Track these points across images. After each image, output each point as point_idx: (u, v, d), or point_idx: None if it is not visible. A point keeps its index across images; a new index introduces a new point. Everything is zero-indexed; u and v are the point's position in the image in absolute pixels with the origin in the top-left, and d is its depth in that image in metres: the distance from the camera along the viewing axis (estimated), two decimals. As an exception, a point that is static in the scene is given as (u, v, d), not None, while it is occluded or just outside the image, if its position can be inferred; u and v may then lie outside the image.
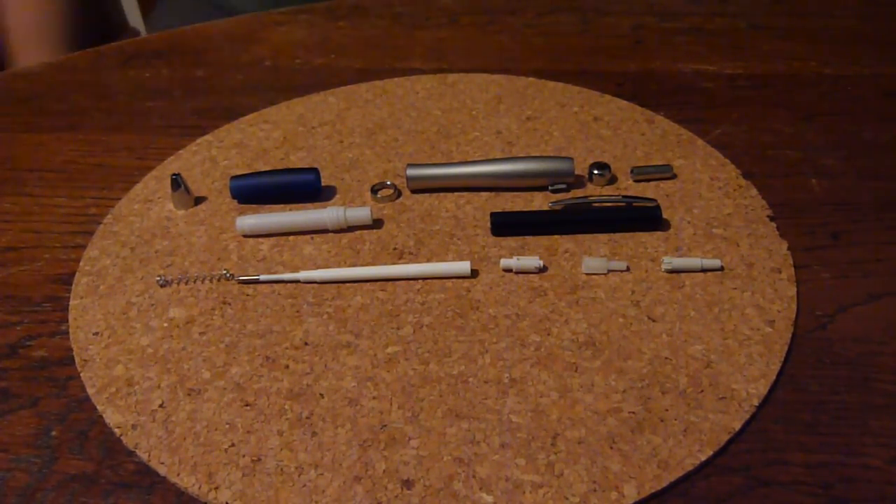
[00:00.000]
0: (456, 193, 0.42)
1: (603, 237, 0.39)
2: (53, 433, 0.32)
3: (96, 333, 0.36)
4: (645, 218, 0.39)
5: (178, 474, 0.30)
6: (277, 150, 0.46)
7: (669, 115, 0.47)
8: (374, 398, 0.32)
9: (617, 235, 0.39)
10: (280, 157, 0.45)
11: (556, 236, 0.39)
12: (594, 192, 0.42)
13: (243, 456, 0.31)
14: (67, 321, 0.36)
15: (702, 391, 0.32)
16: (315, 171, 0.42)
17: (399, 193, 0.42)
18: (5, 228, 0.42)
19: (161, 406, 0.33)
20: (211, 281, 0.38)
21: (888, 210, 0.40)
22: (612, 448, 0.30)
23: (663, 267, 0.37)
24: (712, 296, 0.36)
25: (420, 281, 0.37)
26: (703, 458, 0.30)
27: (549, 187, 0.41)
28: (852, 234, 0.39)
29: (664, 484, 0.29)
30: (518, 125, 0.47)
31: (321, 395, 0.33)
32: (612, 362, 0.33)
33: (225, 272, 0.38)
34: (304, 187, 0.42)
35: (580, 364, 0.33)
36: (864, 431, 0.31)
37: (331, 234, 0.40)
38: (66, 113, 0.52)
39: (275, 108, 0.50)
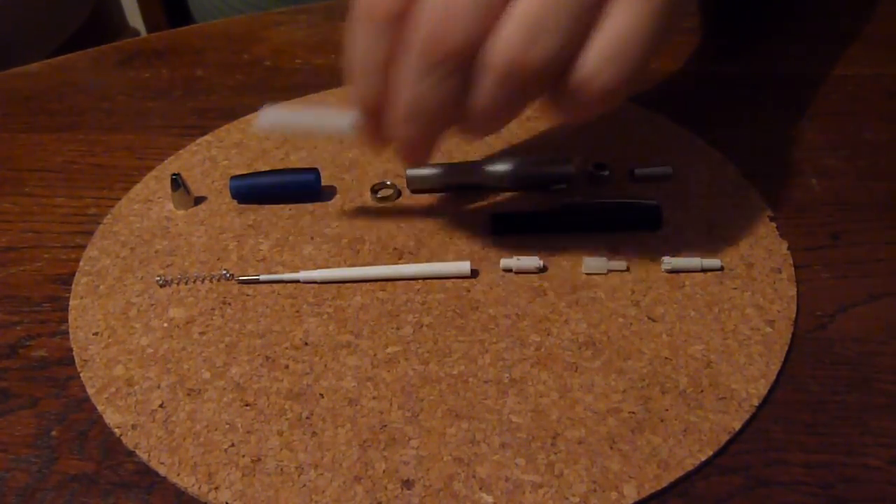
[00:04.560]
0: (456, 193, 0.42)
1: (603, 237, 0.39)
2: (53, 433, 0.32)
3: (96, 333, 0.36)
4: (645, 218, 0.39)
5: (178, 474, 0.30)
6: (277, 150, 0.46)
7: (669, 115, 0.47)
8: (374, 398, 0.32)
9: (617, 235, 0.39)
10: (280, 157, 0.45)
11: (556, 236, 0.39)
12: (594, 192, 0.42)
13: (243, 456, 0.31)
14: (67, 321, 0.36)
15: (702, 391, 0.32)
16: (315, 171, 0.42)
17: (399, 193, 0.42)
18: (5, 228, 0.42)
19: (161, 406, 0.33)
20: (211, 281, 0.38)
21: (888, 210, 0.40)
22: (612, 448, 0.30)
23: (663, 267, 0.37)
24: (712, 296, 0.36)
25: (420, 281, 0.37)
26: (703, 458, 0.30)
27: (549, 187, 0.41)
28: (852, 234, 0.39)
29: (664, 484, 0.29)
30: (518, 125, 0.47)
31: (321, 395, 0.33)
32: (612, 362, 0.33)
33: (225, 272, 0.38)
34: (304, 187, 0.42)
35: (580, 364, 0.33)
36: (864, 431, 0.31)
37: (331, 234, 0.40)
38: (66, 113, 0.52)
39: (275, 108, 0.50)
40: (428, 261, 0.38)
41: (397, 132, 0.32)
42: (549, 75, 0.29)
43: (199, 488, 0.30)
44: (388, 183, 0.42)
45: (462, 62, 0.29)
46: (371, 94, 0.32)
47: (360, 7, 0.31)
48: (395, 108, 0.32)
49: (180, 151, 0.47)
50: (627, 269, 0.37)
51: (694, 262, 0.37)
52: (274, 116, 0.37)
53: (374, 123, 0.33)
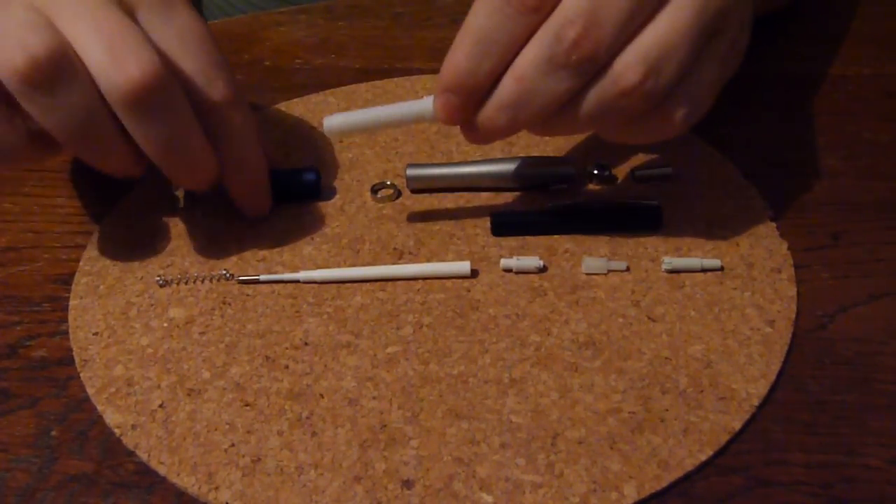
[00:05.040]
0: (456, 193, 0.42)
1: (603, 237, 0.39)
2: (53, 433, 0.32)
3: (96, 333, 0.36)
4: (645, 218, 0.39)
5: (178, 474, 0.30)
6: (277, 150, 0.46)
7: (669, 115, 0.47)
8: (374, 398, 0.32)
9: (617, 235, 0.39)
10: (280, 157, 0.45)
11: (556, 236, 0.39)
12: (594, 192, 0.41)
13: (243, 456, 0.31)
14: (67, 321, 0.36)
15: (702, 391, 0.32)
16: (315, 170, 0.42)
17: (399, 193, 0.42)
18: (5, 228, 0.42)
19: (161, 406, 0.33)
20: (211, 281, 0.38)
21: (888, 210, 0.40)
22: (612, 448, 0.30)
23: (663, 267, 0.37)
24: (712, 296, 0.36)
25: (420, 281, 0.37)
26: (704, 458, 0.30)
27: (549, 187, 0.41)
28: (852, 234, 0.39)
29: (664, 484, 0.29)
30: (518, 125, 0.47)
31: (321, 395, 0.33)
32: (612, 362, 0.33)
33: (225, 272, 0.38)
34: (304, 187, 0.42)
35: (580, 364, 0.33)
36: (864, 431, 0.31)
37: (331, 234, 0.40)
38: (66, 113, 0.51)
39: (275, 108, 0.50)
40: (428, 261, 0.38)
41: (492, 116, 0.33)
42: (654, 103, 0.32)
43: (199, 488, 0.30)
44: (388, 183, 0.42)
45: (596, 68, 0.31)
46: (481, 71, 0.32)
47: None
48: (502, 92, 0.32)
49: (180, 151, 0.46)
50: (627, 269, 0.37)
51: (694, 262, 0.37)
52: (341, 118, 0.36)
53: (465, 102, 0.33)
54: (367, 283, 0.37)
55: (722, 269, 0.37)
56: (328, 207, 0.41)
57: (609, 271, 0.37)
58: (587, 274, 0.37)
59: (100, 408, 0.33)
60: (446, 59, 0.32)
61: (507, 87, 0.32)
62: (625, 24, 0.30)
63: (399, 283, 0.37)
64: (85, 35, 0.31)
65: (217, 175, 0.36)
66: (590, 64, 0.31)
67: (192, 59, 0.34)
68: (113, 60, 0.31)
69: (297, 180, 0.42)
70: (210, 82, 0.34)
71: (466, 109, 0.33)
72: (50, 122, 0.32)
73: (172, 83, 0.32)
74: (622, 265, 0.37)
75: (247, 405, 0.32)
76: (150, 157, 0.34)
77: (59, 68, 0.31)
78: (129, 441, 0.31)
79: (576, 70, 0.31)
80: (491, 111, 0.33)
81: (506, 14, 0.31)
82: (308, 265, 0.38)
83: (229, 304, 0.37)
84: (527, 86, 0.31)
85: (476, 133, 0.34)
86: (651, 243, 0.38)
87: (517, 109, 0.32)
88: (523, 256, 0.37)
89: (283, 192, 0.42)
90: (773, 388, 0.32)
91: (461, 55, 0.32)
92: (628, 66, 0.31)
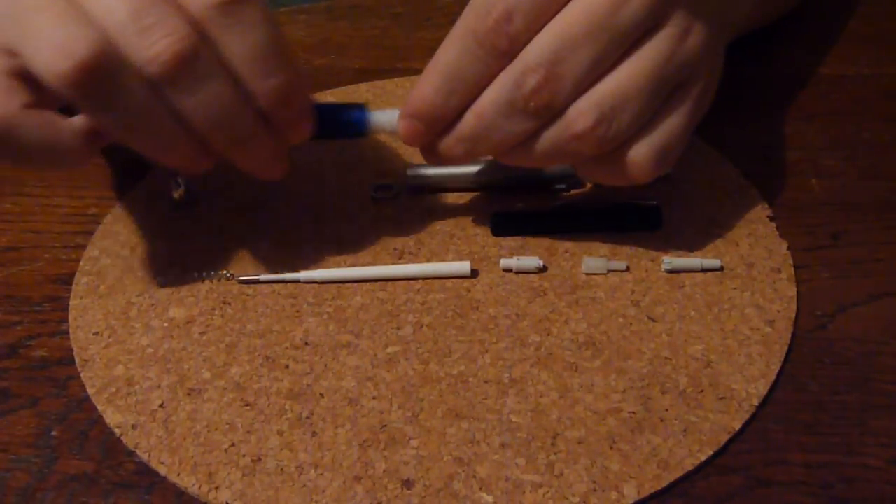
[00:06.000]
0: (456, 193, 0.42)
1: (603, 237, 0.39)
2: (53, 433, 0.32)
3: (96, 333, 0.36)
4: (645, 218, 0.39)
5: (178, 474, 0.30)
6: (277, 150, 0.46)
7: (669, 115, 0.47)
8: (374, 398, 0.32)
9: (617, 235, 0.39)
10: (280, 157, 0.45)
11: (556, 236, 0.39)
12: (594, 192, 0.42)
13: (243, 456, 0.31)
14: (67, 321, 0.36)
15: (702, 391, 0.32)
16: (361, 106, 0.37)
17: (399, 193, 0.42)
18: (5, 228, 0.42)
19: (161, 406, 0.33)
20: (211, 281, 0.38)
21: (888, 210, 0.40)
22: (612, 448, 0.30)
23: (663, 267, 0.37)
24: (712, 296, 0.36)
25: (420, 281, 0.37)
26: (703, 458, 0.30)
27: (550, 187, 0.41)
28: (852, 234, 0.39)
29: (664, 484, 0.29)
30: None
31: (321, 395, 0.33)
32: (612, 362, 0.33)
33: (225, 272, 0.38)
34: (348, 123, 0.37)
35: (580, 364, 0.33)
36: (864, 431, 0.31)
37: (331, 234, 0.40)
38: (66, 113, 0.51)
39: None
40: (428, 261, 0.38)
41: (451, 145, 0.34)
42: (609, 148, 0.32)
43: (199, 488, 0.30)
44: (389, 183, 0.42)
45: (552, 114, 0.32)
46: (446, 105, 0.33)
47: (470, 24, 0.32)
48: (462, 126, 0.33)
49: (180, 151, 0.46)
50: (627, 269, 0.37)
51: (694, 262, 0.37)
52: None
53: (428, 129, 0.34)
54: (367, 283, 0.37)
55: (722, 269, 0.37)
56: (328, 207, 0.41)
57: (609, 271, 0.37)
58: (587, 274, 0.37)
59: (100, 408, 0.33)
60: (415, 88, 0.33)
61: (468, 121, 0.33)
62: (585, 76, 0.31)
63: (399, 283, 0.37)
64: (116, 13, 0.29)
65: (277, 155, 0.35)
66: (546, 111, 0.32)
67: (239, 44, 0.30)
68: (141, 36, 0.29)
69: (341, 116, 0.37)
70: (259, 73, 0.31)
71: (429, 135, 0.34)
72: (107, 120, 0.31)
73: (206, 52, 0.30)
74: (622, 265, 0.37)
75: (247, 405, 0.32)
76: (204, 137, 0.32)
77: (108, 66, 0.29)
78: (129, 441, 0.31)
79: (533, 115, 0.32)
80: (451, 141, 0.34)
81: (476, 55, 0.32)
82: (308, 265, 0.38)
83: (229, 304, 0.37)
84: (485, 123, 0.32)
85: (435, 157, 0.35)
86: (651, 243, 0.38)
87: (475, 143, 0.33)
88: (523, 256, 0.37)
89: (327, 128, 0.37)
90: (773, 388, 0.32)
91: (430, 88, 0.33)
92: (581, 112, 0.31)
